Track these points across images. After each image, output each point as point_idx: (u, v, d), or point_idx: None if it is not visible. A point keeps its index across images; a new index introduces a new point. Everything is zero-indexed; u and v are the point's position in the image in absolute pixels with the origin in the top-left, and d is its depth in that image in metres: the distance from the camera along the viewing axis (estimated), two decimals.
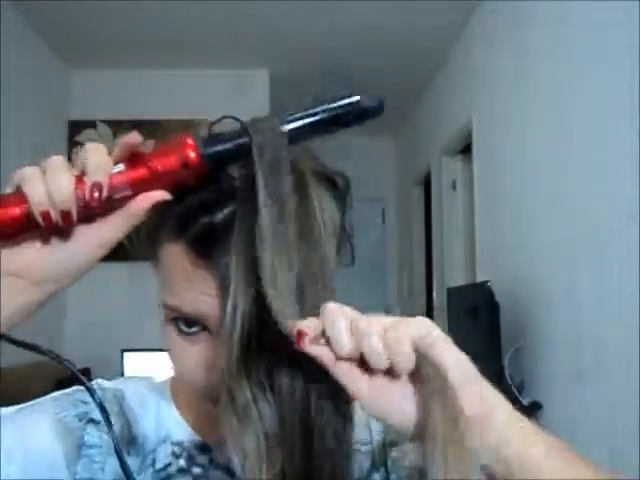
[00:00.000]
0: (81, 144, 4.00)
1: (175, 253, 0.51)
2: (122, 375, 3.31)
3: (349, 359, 0.43)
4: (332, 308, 0.43)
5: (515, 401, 2.22)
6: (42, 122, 3.69)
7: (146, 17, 3.40)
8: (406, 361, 0.42)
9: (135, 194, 0.47)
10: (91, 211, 0.47)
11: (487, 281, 2.60)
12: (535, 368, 2.43)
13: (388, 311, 4.87)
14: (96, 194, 0.45)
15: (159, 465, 0.60)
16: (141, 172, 0.47)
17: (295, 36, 3.65)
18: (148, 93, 4.04)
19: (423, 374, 0.43)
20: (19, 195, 0.46)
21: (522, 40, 2.69)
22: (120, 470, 0.54)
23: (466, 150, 3.61)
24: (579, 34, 2.15)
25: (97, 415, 0.58)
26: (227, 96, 4.02)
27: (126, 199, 0.47)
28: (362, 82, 4.48)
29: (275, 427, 0.46)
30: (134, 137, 0.47)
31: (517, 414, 0.46)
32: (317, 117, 0.50)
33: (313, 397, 0.46)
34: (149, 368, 3.07)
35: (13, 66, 3.16)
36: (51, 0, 3.13)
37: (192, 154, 0.47)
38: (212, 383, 0.50)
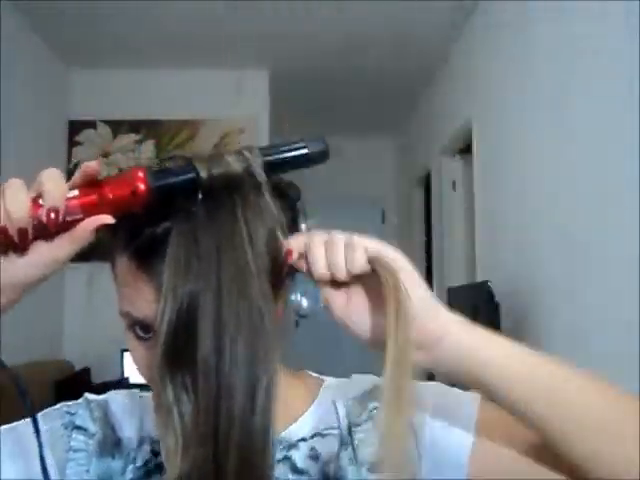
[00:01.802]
0: (81, 144, 4.01)
1: (123, 264, 0.56)
2: (122, 375, 3.31)
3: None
4: (313, 239, 0.55)
5: None
6: (42, 122, 3.70)
7: (146, 17, 3.40)
8: (359, 260, 0.54)
9: (85, 217, 0.52)
10: (46, 231, 0.51)
11: (487, 281, 2.59)
12: None
13: None
14: (52, 216, 0.51)
15: (139, 462, 0.65)
16: (92, 198, 0.53)
17: (295, 36, 3.65)
18: (148, 93, 4.04)
19: (382, 280, 0.53)
20: None
21: (522, 40, 2.69)
22: (104, 471, 0.63)
23: (466, 150, 3.60)
24: (579, 34, 2.15)
25: (81, 422, 0.65)
26: (227, 96, 4.03)
27: (78, 221, 0.53)
28: (362, 82, 4.48)
29: (191, 426, 0.50)
30: (93, 167, 0.53)
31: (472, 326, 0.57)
32: (269, 158, 0.56)
33: (224, 399, 0.50)
34: None
35: (13, 66, 3.16)
36: (51, 0, 3.14)
37: (141, 185, 0.53)
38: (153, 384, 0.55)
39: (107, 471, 0.63)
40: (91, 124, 4.04)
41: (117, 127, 4.04)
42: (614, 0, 1.90)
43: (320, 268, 0.55)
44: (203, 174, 0.53)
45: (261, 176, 0.55)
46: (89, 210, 0.52)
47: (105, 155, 4.00)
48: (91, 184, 0.53)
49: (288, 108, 4.34)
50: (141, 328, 0.57)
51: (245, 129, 4.00)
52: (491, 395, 0.55)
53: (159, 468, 0.63)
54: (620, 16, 1.86)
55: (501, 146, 2.97)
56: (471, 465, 0.61)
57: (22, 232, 0.50)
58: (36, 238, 0.52)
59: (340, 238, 0.55)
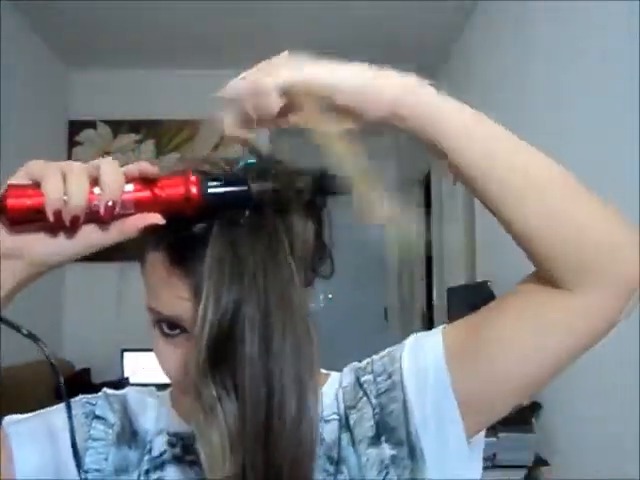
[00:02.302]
0: (81, 144, 4.01)
1: (155, 259, 0.57)
2: (122, 375, 3.31)
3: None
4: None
5: None
6: (42, 122, 3.70)
7: (146, 17, 3.40)
8: (273, 104, 0.56)
9: (136, 213, 0.53)
10: (95, 218, 0.52)
11: (487, 281, 2.59)
12: None
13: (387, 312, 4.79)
14: (109, 209, 0.51)
15: (155, 453, 0.66)
16: (146, 196, 0.53)
17: (295, 36, 3.65)
18: (148, 93, 4.04)
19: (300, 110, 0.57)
20: (36, 189, 0.51)
21: (522, 40, 2.69)
22: (121, 460, 0.65)
23: None
24: (579, 34, 2.15)
25: (101, 412, 0.67)
26: None
27: (127, 215, 0.53)
28: None
29: (238, 425, 0.51)
30: (152, 169, 0.54)
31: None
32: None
33: (275, 406, 0.52)
34: (149, 368, 3.07)
35: (13, 66, 3.16)
36: (51, 0, 3.14)
37: (194, 191, 0.53)
38: (189, 382, 0.55)
39: (124, 461, 0.65)
40: (91, 124, 4.04)
41: (117, 127, 4.04)
42: (614, 0, 1.90)
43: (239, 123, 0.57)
44: (255, 188, 0.54)
45: (306, 194, 0.56)
46: (141, 207, 0.53)
47: (105, 155, 3.99)
48: (144, 180, 0.54)
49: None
50: (168, 325, 0.57)
51: None
52: (450, 157, 0.58)
53: (175, 459, 0.65)
54: (620, 16, 1.86)
55: None
56: (450, 363, 0.62)
57: (75, 219, 0.51)
58: (83, 223, 0.53)
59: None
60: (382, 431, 0.64)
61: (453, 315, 3.07)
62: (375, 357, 0.69)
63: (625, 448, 1.75)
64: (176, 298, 0.55)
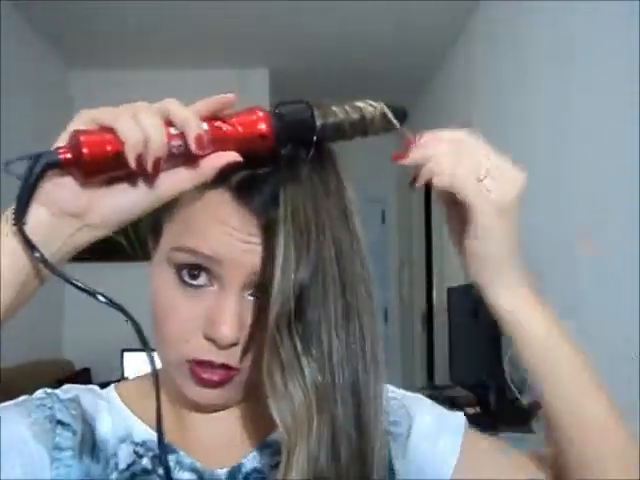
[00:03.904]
0: None
1: (213, 198, 0.52)
2: (122, 375, 3.31)
3: None
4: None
5: (515, 401, 2.22)
6: (42, 122, 3.69)
7: (146, 17, 3.40)
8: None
9: (212, 152, 0.49)
10: (173, 162, 0.48)
11: None
12: None
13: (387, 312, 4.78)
14: (200, 144, 0.47)
15: (122, 466, 0.58)
16: (223, 133, 0.49)
17: (295, 36, 3.65)
18: (148, 93, 3.98)
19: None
20: (109, 134, 0.46)
21: (522, 40, 2.69)
22: (85, 476, 0.55)
23: None
24: (579, 33, 2.15)
25: (63, 417, 0.58)
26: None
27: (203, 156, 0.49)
28: (362, 81, 4.49)
29: (325, 381, 0.48)
30: (230, 99, 0.50)
31: None
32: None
33: (360, 366, 0.50)
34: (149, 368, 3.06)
35: (13, 66, 3.16)
36: (51, 0, 3.13)
37: (267, 129, 0.50)
38: (216, 338, 0.52)
39: (87, 476, 0.56)
40: None
41: None
42: (614, 0, 1.90)
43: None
44: (318, 122, 0.52)
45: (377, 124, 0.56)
46: (218, 145, 0.49)
47: None
48: (214, 117, 0.50)
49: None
50: (190, 272, 0.54)
51: None
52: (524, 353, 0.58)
53: (145, 472, 0.57)
54: (620, 16, 1.86)
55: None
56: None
57: (158, 162, 0.46)
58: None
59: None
60: None
61: (453, 315, 3.06)
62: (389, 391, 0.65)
63: None
64: (236, 240, 0.52)
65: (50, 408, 0.58)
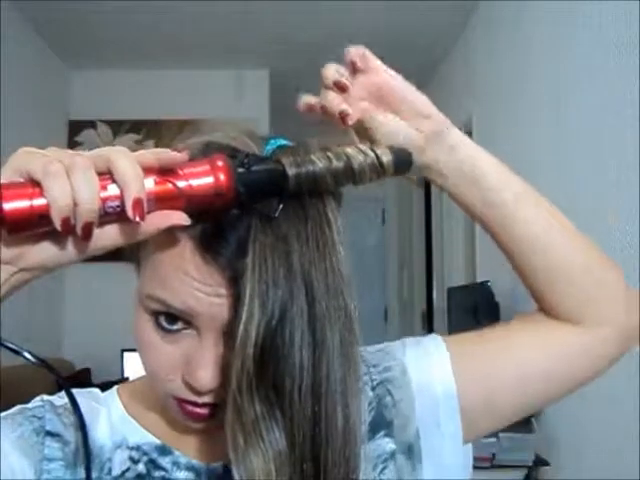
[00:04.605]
0: (81, 144, 4.01)
1: (176, 245, 0.49)
2: (122, 375, 3.31)
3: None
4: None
5: None
6: (42, 122, 3.69)
7: (146, 17, 3.40)
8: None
9: (158, 209, 0.44)
10: (108, 220, 0.44)
11: (487, 281, 2.60)
12: None
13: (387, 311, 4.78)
14: (138, 211, 0.42)
15: (116, 472, 0.57)
16: (170, 190, 0.45)
17: (295, 36, 3.65)
18: (148, 93, 4.03)
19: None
20: (35, 187, 0.41)
21: (522, 40, 2.69)
22: None
23: None
24: (579, 33, 2.15)
25: (53, 427, 0.57)
26: (227, 96, 4.03)
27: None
28: None
29: (284, 447, 0.46)
30: (173, 157, 0.45)
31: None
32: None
33: (323, 416, 0.47)
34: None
35: (13, 66, 3.16)
36: (52, 0, 3.13)
37: (225, 185, 0.45)
38: (193, 383, 0.50)
39: None
40: (91, 124, 4.04)
41: (117, 127, 4.04)
42: (614, 0, 1.90)
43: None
44: (291, 172, 0.47)
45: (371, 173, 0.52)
46: (163, 203, 0.44)
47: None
48: (164, 170, 0.45)
49: (288, 108, 4.34)
50: (167, 319, 0.51)
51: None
52: (485, 197, 0.61)
53: (139, 477, 0.57)
54: (619, 16, 1.86)
55: (501, 145, 2.97)
56: (459, 388, 0.61)
57: (88, 226, 0.42)
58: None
59: None
60: (378, 424, 0.61)
61: (453, 315, 3.06)
62: (363, 349, 0.64)
63: (625, 448, 1.75)
64: (199, 292, 0.48)
65: (40, 419, 0.57)
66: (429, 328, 4.52)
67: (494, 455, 2.15)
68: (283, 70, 4.06)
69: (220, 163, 0.46)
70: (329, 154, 0.49)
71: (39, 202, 0.41)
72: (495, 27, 3.06)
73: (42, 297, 3.50)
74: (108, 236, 0.44)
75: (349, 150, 0.50)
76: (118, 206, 0.43)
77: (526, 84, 2.65)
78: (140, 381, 0.65)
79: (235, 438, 0.47)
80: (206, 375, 0.50)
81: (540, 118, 2.48)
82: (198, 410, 0.53)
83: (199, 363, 0.50)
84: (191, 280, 0.49)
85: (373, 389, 0.62)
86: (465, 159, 0.60)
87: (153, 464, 0.58)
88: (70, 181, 0.41)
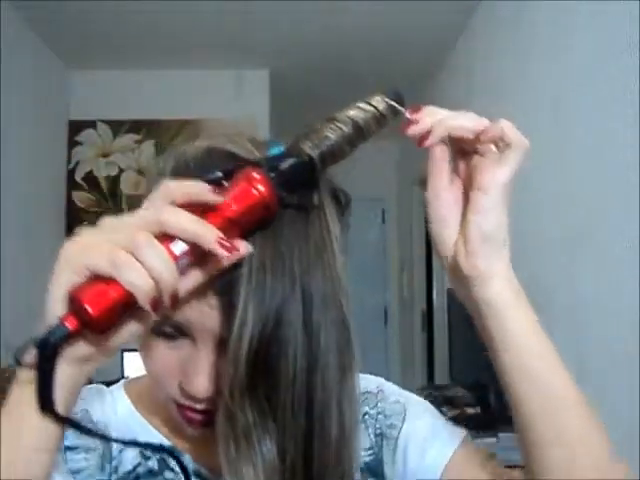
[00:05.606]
0: (81, 144, 4.01)
1: None
2: (122, 375, 3.31)
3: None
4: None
5: None
6: (42, 122, 3.69)
7: (146, 17, 3.40)
8: None
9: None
10: (183, 274, 0.44)
11: None
12: None
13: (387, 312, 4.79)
14: (225, 248, 0.42)
15: (127, 467, 0.58)
16: (226, 221, 0.44)
17: (295, 36, 3.64)
18: (148, 93, 4.03)
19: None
20: (109, 285, 0.40)
21: (522, 40, 2.69)
22: None
23: None
24: (580, 34, 2.15)
25: (69, 442, 0.57)
26: (227, 96, 4.02)
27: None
28: (363, 82, 4.49)
29: (275, 458, 0.46)
30: (210, 196, 0.44)
31: None
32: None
33: (317, 427, 0.46)
34: None
35: (13, 66, 3.16)
36: (51, 0, 3.13)
37: (263, 189, 0.45)
38: (190, 391, 0.50)
39: None
40: (91, 124, 4.04)
41: (117, 127, 4.04)
42: (614, 0, 1.90)
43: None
44: (314, 155, 0.48)
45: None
46: (225, 234, 0.44)
47: (105, 155, 4.00)
48: (207, 207, 0.45)
49: (288, 108, 4.34)
50: (172, 326, 0.51)
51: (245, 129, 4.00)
52: (495, 344, 0.53)
53: (151, 473, 0.58)
54: (619, 16, 1.86)
55: None
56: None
57: (175, 294, 0.41)
58: None
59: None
60: (375, 473, 0.61)
61: (453, 316, 3.06)
62: (387, 390, 0.63)
63: (625, 448, 1.75)
64: (194, 302, 0.48)
65: None
66: (429, 328, 4.52)
67: (494, 455, 2.15)
68: (283, 70, 4.06)
69: (257, 176, 0.45)
70: (336, 123, 0.49)
71: (119, 294, 0.40)
72: (495, 27, 3.06)
73: (43, 297, 3.49)
74: (189, 281, 0.44)
75: (350, 112, 0.50)
76: (188, 262, 0.43)
77: (526, 85, 2.65)
78: (147, 380, 0.64)
79: (227, 446, 0.46)
80: (201, 382, 0.50)
81: (540, 119, 2.48)
82: (196, 416, 0.53)
83: (195, 370, 0.50)
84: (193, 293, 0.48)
85: (376, 436, 0.62)
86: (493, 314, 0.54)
87: (165, 464, 0.59)
88: (141, 262, 0.40)
